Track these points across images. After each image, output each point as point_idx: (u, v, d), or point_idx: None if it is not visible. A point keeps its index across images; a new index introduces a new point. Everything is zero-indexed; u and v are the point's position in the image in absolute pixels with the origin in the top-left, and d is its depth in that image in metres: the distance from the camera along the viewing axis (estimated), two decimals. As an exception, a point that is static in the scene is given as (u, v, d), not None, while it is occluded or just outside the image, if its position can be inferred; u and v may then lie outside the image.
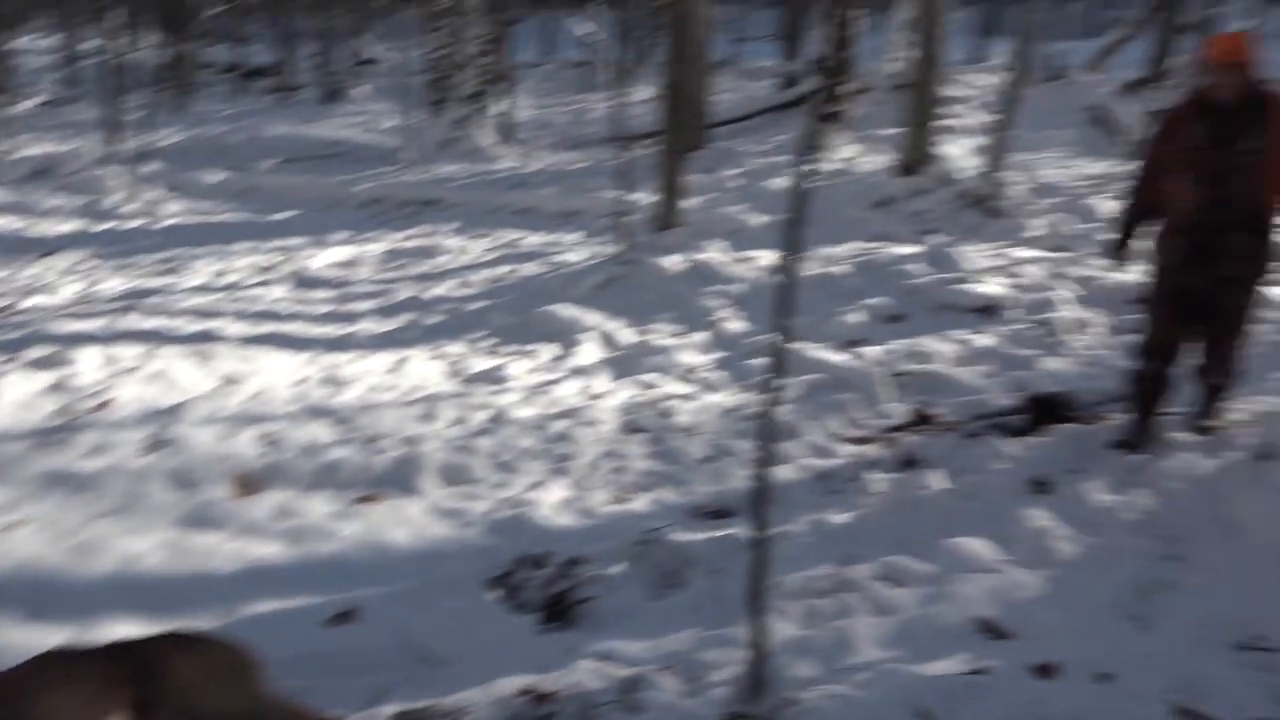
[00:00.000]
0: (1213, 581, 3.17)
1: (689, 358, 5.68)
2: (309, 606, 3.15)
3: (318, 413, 4.72)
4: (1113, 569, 3.24)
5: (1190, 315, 3.75)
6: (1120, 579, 3.19)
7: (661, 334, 6.06)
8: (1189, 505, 3.50)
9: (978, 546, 3.38)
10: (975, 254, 6.65)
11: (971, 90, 13.48)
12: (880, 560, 3.36)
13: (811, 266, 7.14)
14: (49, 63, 21.97)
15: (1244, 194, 3.54)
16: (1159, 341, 3.86)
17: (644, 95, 15.45)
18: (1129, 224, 3.91)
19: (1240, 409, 4.02)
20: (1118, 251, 3.97)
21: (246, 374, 5.18)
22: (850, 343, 5.82)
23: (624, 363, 5.65)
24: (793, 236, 2.13)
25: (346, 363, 5.53)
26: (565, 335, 6.06)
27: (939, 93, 8.72)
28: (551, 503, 3.94)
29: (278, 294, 6.96)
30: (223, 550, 3.45)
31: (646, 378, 5.41)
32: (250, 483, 3.95)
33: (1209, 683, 2.72)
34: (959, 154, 9.07)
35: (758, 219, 8.13)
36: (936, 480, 3.89)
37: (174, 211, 9.61)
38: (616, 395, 5.16)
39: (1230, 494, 3.52)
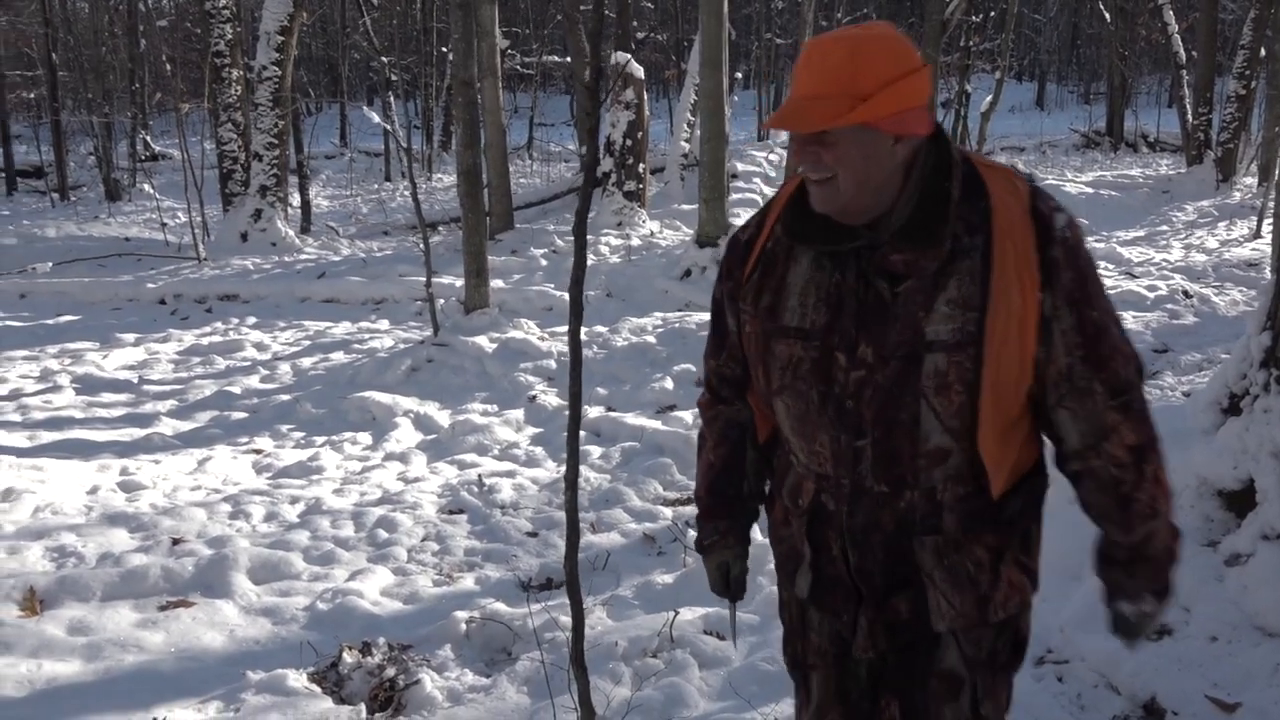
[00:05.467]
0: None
1: (506, 435, 5.70)
2: (114, 724, 2.95)
3: (114, 520, 4.45)
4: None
5: None
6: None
7: (476, 413, 6.06)
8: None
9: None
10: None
11: (758, 165, 14.24)
12: (704, 614, 3.45)
13: (623, 338, 7.33)
14: None
15: None
16: None
17: (446, 181, 15.52)
18: None
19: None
20: None
21: (30, 486, 4.82)
22: (663, 409, 5.99)
23: (440, 445, 5.61)
24: (577, 308, 2.22)
25: (144, 466, 5.25)
26: (379, 422, 5.96)
27: (730, 169, 9.19)
28: (375, 590, 3.85)
29: (63, 400, 6.54)
30: (13, 674, 3.18)
31: (464, 457, 5.38)
32: (40, 599, 3.66)
33: (1014, 697, 2.92)
34: (752, 226, 9.55)
35: (565, 296, 8.28)
36: (753, 532, 4.03)
37: (-61, 321, 8.89)
38: (435, 477, 5.11)
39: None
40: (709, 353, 1.88)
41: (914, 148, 1.56)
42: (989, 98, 14.56)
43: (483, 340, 7.12)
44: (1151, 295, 8.10)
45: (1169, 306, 7.86)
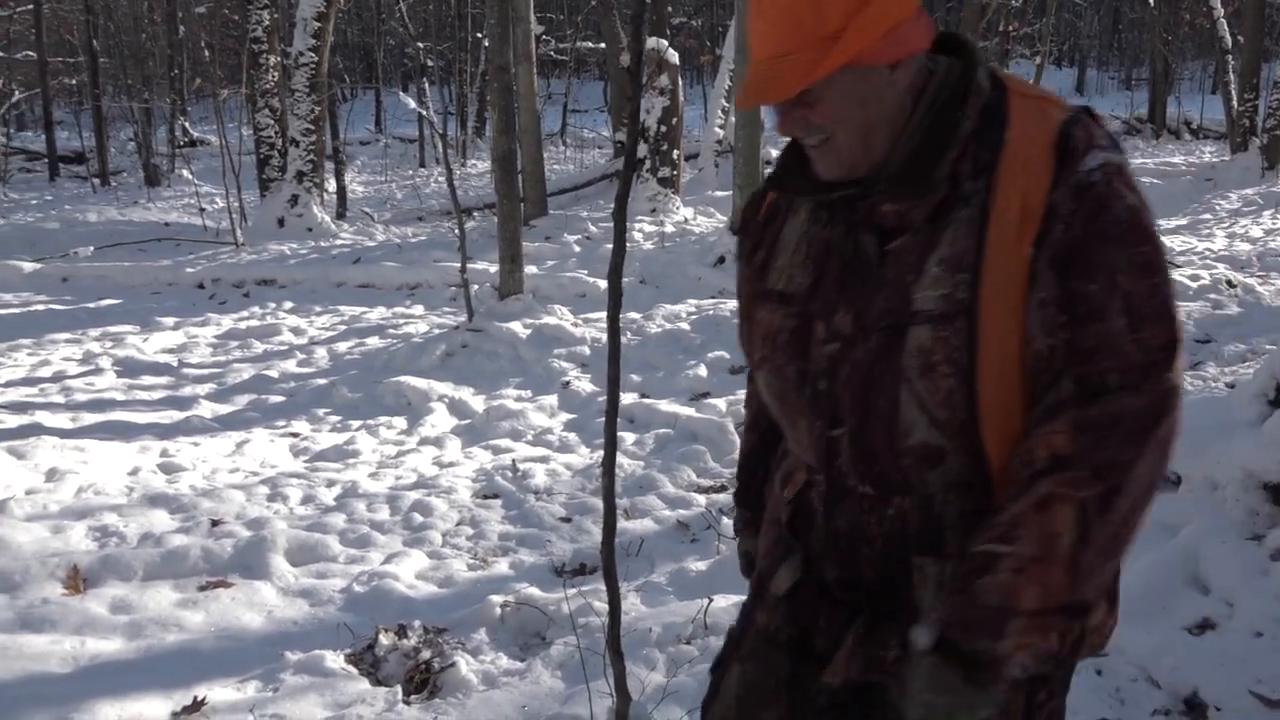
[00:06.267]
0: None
1: (540, 420, 5.71)
2: (155, 700, 2.99)
3: (155, 501, 4.51)
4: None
5: None
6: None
7: (511, 399, 6.08)
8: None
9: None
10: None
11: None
12: (738, 601, 3.44)
13: (657, 324, 7.33)
14: None
15: None
16: None
17: (480, 167, 15.57)
18: None
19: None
20: None
21: (74, 466, 4.90)
22: (697, 396, 5.99)
23: (475, 430, 5.63)
24: (615, 293, 2.21)
25: (184, 448, 5.31)
26: (414, 406, 6.00)
27: (765, 155, 9.14)
28: (410, 573, 3.87)
29: (104, 382, 6.64)
30: (57, 651, 3.24)
31: (499, 442, 5.40)
32: (83, 578, 3.73)
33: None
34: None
35: (599, 282, 8.28)
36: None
37: (-16, 304, 9.04)
38: (470, 462, 5.14)
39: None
40: (739, 335, 1.58)
41: (920, 66, 1.26)
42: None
43: (517, 326, 7.14)
44: (1194, 285, 7.97)
45: (1212, 296, 7.74)
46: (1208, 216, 11.80)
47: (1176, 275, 8.25)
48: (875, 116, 1.24)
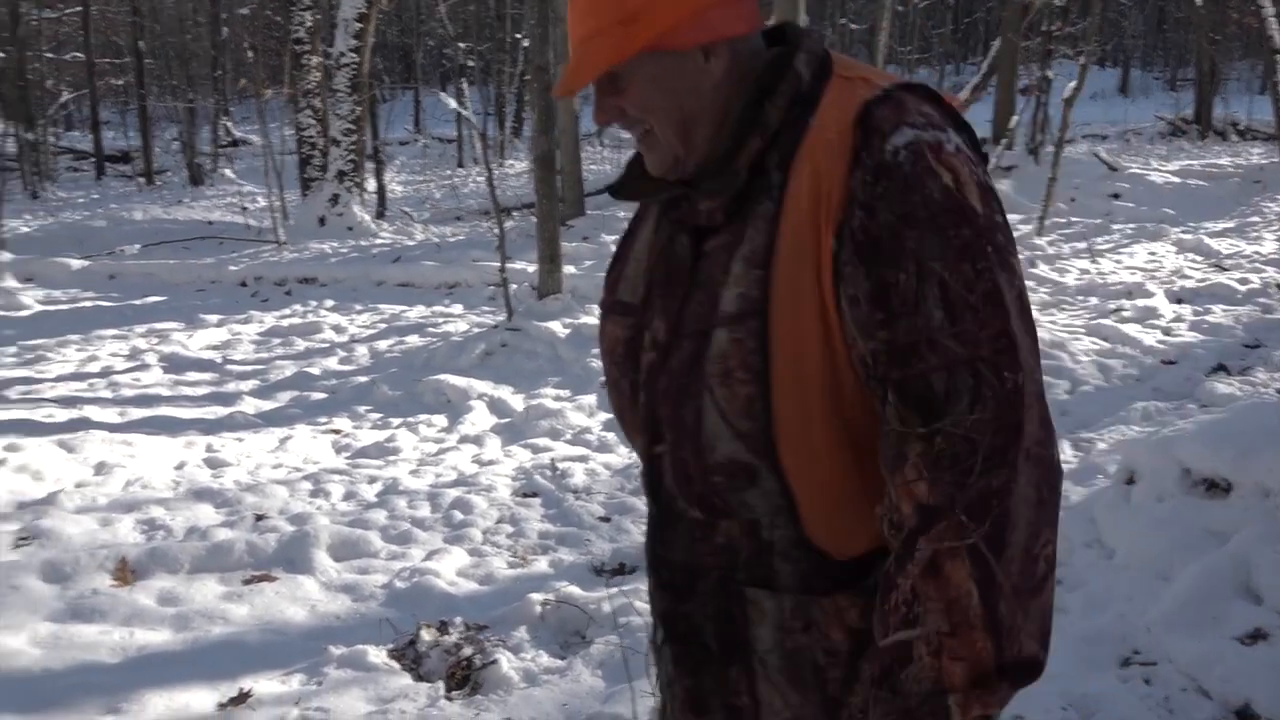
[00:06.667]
0: (1093, 601, 3.34)
1: (578, 420, 5.72)
2: (202, 691, 3.03)
3: (200, 495, 4.57)
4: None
5: None
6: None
7: (549, 398, 6.10)
8: (1064, 529, 3.69)
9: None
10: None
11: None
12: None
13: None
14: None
15: None
16: None
17: (518, 167, 15.65)
18: None
19: (1105, 437, 4.28)
20: None
21: (121, 460, 4.98)
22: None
23: (514, 428, 5.65)
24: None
25: (228, 443, 5.38)
26: (454, 404, 6.03)
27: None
28: (451, 570, 3.90)
29: (151, 378, 6.74)
30: (107, 641, 3.29)
31: (538, 441, 5.42)
32: (132, 570, 3.78)
33: (1100, 699, 2.86)
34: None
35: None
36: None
37: (33, 301, 9.21)
38: (509, 460, 5.16)
39: (1099, 517, 3.74)
40: None
41: (743, 58, 1.16)
42: (1071, 84, 14.19)
43: (555, 325, 7.17)
44: (1243, 289, 7.84)
45: (1261, 300, 7.61)
46: (1256, 219, 11.59)
47: (1225, 279, 8.11)
48: (692, 108, 1.15)
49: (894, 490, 1.05)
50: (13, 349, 7.48)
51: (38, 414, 5.76)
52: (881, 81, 1.13)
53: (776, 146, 1.13)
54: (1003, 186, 11.47)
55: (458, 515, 4.39)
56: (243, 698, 3.01)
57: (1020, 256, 1.08)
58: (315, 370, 6.91)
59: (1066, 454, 4.55)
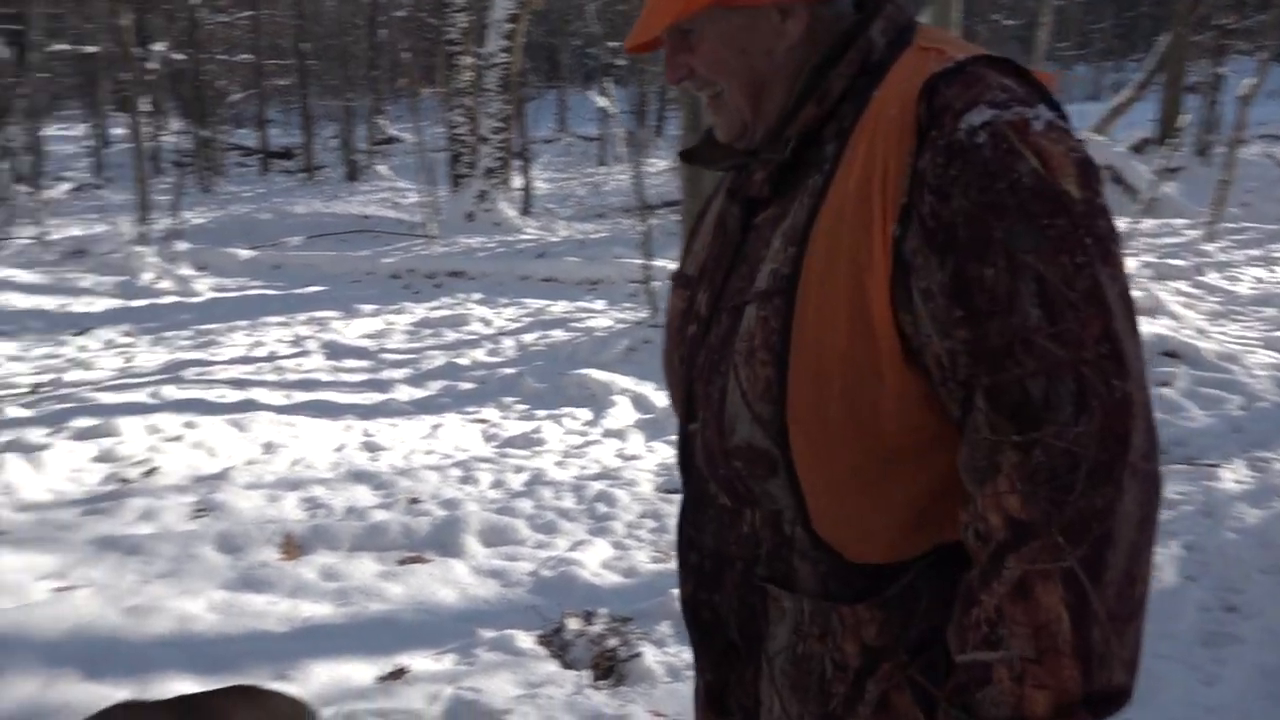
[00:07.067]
0: (1271, 632, 3.16)
1: (721, 418, 5.73)
2: (361, 664, 3.17)
3: (358, 477, 4.78)
4: (1175, 620, 3.22)
5: None
6: (1183, 630, 3.18)
7: (692, 396, 6.12)
8: (1239, 554, 3.50)
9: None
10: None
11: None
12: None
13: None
14: (78, 150, 22.56)
15: None
16: None
17: (660, 166, 15.74)
18: None
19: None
20: None
21: (286, 441, 5.26)
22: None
23: (657, 424, 5.69)
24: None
25: (383, 429, 5.61)
26: (597, 398, 6.12)
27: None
28: (595, 562, 3.96)
29: (312, 364, 7.08)
30: (274, 611, 3.48)
31: (680, 438, 5.45)
32: (297, 545, 3.99)
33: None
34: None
35: (781, 282, 8.24)
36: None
37: (206, 288, 9.80)
38: (652, 456, 5.21)
39: (1279, 541, 3.53)
40: None
41: (824, 22, 1.09)
42: (1247, 80, 13.38)
43: (698, 323, 7.19)
44: None
45: None
46: None
47: None
48: (764, 71, 1.09)
49: (981, 500, 0.97)
50: (188, 332, 7.99)
51: (211, 394, 6.13)
52: (957, 53, 1.04)
53: (836, 117, 1.07)
54: (1168, 189, 10.93)
55: (601, 508, 4.46)
56: (400, 673, 3.13)
57: (1122, 252, 0.99)
58: (464, 361, 7.13)
59: (1241, 473, 4.32)
